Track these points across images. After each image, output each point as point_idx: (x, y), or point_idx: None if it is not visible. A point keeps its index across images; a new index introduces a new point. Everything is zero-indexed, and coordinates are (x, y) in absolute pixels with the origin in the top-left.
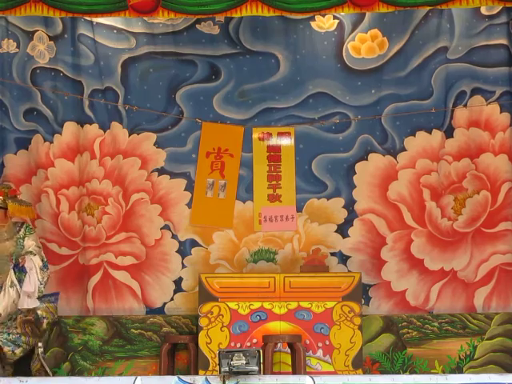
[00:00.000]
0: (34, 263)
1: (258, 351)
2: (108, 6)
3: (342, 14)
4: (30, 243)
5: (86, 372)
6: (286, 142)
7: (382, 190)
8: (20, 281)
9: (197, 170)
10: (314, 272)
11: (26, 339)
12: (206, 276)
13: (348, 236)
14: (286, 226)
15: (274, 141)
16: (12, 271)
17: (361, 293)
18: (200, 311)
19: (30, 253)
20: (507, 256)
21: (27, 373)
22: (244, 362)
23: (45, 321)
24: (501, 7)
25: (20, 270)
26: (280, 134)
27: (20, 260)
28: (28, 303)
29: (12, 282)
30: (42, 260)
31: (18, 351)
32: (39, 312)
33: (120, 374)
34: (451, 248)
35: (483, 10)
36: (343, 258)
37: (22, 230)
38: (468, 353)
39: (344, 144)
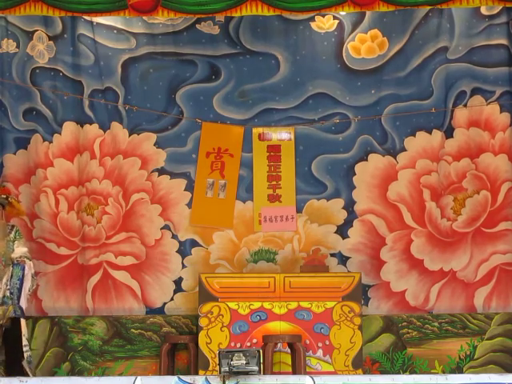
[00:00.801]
0: (30, 269)
1: (258, 351)
2: (107, 5)
3: (342, 14)
4: (22, 249)
5: (86, 372)
6: (286, 142)
7: (381, 190)
8: (14, 277)
9: (197, 170)
10: (314, 272)
11: None
12: (206, 276)
13: (348, 237)
14: (286, 227)
15: (274, 141)
16: (12, 268)
17: (361, 293)
18: (200, 311)
19: (26, 257)
20: (507, 256)
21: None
22: (244, 361)
23: None
24: (501, 7)
25: (19, 268)
26: (280, 135)
27: (18, 261)
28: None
29: (7, 279)
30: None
31: None
32: None
33: (120, 374)
34: (451, 248)
35: (483, 10)
36: (343, 259)
37: (13, 232)
38: (468, 353)
39: (344, 144)
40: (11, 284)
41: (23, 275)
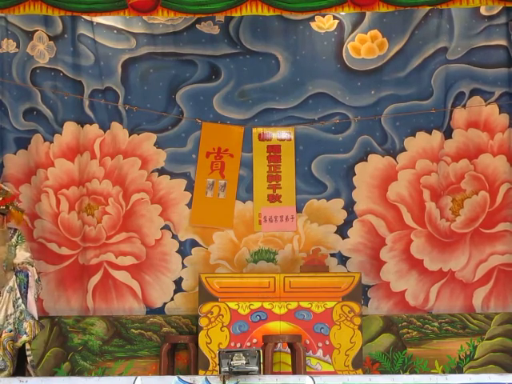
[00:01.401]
0: (34, 275)
1: (258, 351)
2: (107, 4)
3: (342, 14)
4: (24, 254)
5: (86, 372)
6: (286, 142)
7: (381, 190)
8: (21, 285)
9: (197, 170)
10: (314, 272)
11: (9, 359)
12: (206, 276)
13: (347, 237)
14: (286, 227)
15: (274, 141)
16: (14, 276)
17: (361, 293)
18: (200, 311)
19: (28, 263)
20: (506, 256)
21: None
22: (244, 361)
23: (23, 337)
24: (500, 7)
25: (23, 275)
26: (280, 135)
27: (20, 268)
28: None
29: (11, 287)
30: (38, 273)
31: (3, 375)
32: (24, 324)
33: (120, 374)
34: (450, 249)
35: (483, 11)
36: (343, 259)
37: (15, 237)
38: (468, 353)
39: (344, 145)
40: (21, 293)
41: (28, 282)
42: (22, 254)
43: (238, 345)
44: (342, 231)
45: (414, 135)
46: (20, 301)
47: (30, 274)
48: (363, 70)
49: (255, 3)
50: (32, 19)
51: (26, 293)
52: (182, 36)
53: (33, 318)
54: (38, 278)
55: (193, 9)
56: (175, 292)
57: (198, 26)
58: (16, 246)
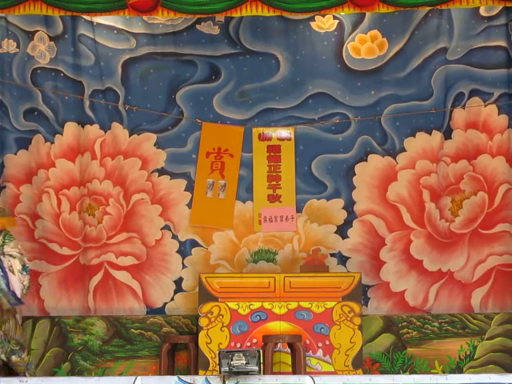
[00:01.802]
0: (12, 264)
1: (258, 351)
2: (107, 4)
3: (342, 14)
4: (9, 249)
5: (86, 372)
6: (286, 142)
7: (381, 190)
8: None
9: (197, 171)
10: (314, 272)
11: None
12: (206, 276)
13: (347, 237)
14: (286, 227)
15: (274, 141)
16: None
17: (361, 293)
18: (200, 311)
19: (10, 255)
20: (504, 257)
21: None
22: (244, 361)
23: None
24: (500, 8)
25: None
26: (280, 135)
27: None
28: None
29: None
30: (23, 265)
31: (25, 354)
32: None
33: (120, 374)
34: (449, 249)
35: (482, 11)
36: (342, 259)
37: (1, 237)
38: (468, 353)
39: (344, 145)
40: None
41: (1, 265)
42: (7, 250)
43: (238, 345)
44: (342, 231)
45: (413, 135)
46: None
47: (7, 267)
48: (363, 70)
49: (255, 3)
50: (32, 19)
51: (4, 272)
52: (181, 36)
53: (4, 295)
54: (23, 268)
55: (193, 9)
56: (175, 292)
57: (197, 26)
58: (3, 245)
